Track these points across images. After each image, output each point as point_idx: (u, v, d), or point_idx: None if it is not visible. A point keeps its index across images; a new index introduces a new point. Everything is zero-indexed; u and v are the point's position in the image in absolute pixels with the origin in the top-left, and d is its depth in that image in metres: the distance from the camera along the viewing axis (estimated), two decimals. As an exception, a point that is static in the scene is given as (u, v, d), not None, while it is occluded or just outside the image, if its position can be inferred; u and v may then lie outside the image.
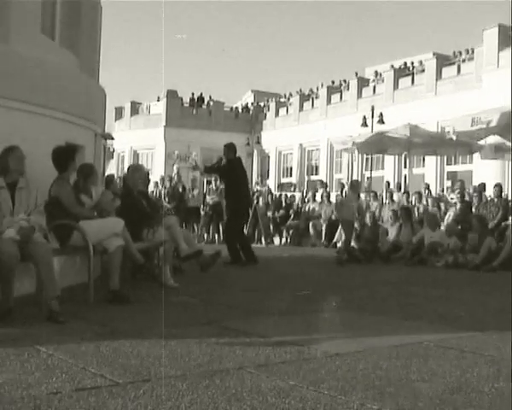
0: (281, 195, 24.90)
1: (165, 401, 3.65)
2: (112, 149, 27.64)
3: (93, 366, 4.36)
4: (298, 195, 25.24)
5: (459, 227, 14.72)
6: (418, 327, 6.30)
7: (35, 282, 6.44)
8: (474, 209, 16.05)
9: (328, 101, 42.29)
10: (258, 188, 24.64)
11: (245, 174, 13.68)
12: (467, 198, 16.98)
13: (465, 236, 13.90)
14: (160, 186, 22.69)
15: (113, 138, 14.86)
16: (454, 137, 18.37)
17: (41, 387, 3.86)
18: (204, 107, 49.94)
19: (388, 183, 25.66)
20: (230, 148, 13.03)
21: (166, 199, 21.17)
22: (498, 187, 16.33)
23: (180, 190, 21.77)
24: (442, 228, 14.77)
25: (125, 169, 10.67)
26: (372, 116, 31.65)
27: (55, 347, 4.90)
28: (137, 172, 9.84)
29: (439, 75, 34.02)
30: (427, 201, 18.73)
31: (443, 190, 24.18)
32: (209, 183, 22.02)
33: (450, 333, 5.93)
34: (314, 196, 23.04)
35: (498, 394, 3.92)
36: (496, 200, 15.86)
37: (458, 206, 16.02)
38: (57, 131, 8.52)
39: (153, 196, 17.77)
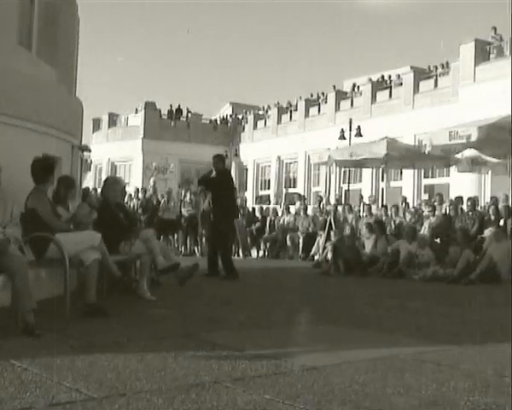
0: (260, 207, 24.90)
1: (140, 416, 3.63)
2: (89, 161, 27.46)
3: (68, 381, 4.31)
4: (275, 207, 25.25)
5: (438, 240, 14.80)
6: (395, 340, 6.31)
7: (10, 294, 6.38)
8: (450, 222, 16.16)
9: (307, 114, 42.49)
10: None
11: (232, 185, 13.66)
12: (443, 211, 17.10)
13: (445, 249, 13.97)
14: (135, 198, 22.60)
15: (90, 150, 14.78)
16: (428, 150, 18.49)
17: (14, 402, 3.81)
18: (182, 119, 49.96)
19: (362, 196, 25.80)
20: (220, 158, 13.04)
21: (139, 211, 21.08)
22: (472, 201, 16.47)
23: (154, 202, 21.68)
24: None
25: (103, 181, 10.63)
26: (350, 129, 31.81)
27: (29, 361, 4.84)
28: (115, 185, 9.79)
29: (416, 89, 34.29)
30: (404, 214, 18.82)
31: (420, 204, 24.29)
32: (184, 195, 21.96)
33: (427, 346, 5.94)
34: (288, 208, 23.08)
35: (474, 407, 3.93)
36: (470, 213, 15.99)
37: (436, 219, 16.13)
38: (34, 142, 8.48)
39: (130, 209, 17.70)
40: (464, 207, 17.05)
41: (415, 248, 14.00)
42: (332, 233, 17.36)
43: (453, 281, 12.36)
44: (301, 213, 21.58)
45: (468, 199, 16.81)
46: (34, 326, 5.89)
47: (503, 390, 4.33)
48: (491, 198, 19.07)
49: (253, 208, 24.77)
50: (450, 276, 12.66)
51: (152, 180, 25.45)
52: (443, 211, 17.35)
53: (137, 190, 24.15)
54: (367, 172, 33.73)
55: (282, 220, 21.97)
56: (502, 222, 15.43)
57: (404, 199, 22.39)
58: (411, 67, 38.20)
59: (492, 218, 15.77)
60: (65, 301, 6.97)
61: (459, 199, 18.44)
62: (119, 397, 3.97)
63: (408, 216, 18.42)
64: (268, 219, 22.40)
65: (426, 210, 18.15)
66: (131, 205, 21.68)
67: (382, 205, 21.08)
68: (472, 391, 4.29)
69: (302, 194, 31.14)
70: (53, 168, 7.63)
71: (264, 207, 25.26)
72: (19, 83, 8.35)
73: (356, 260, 14.63)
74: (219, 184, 12.83)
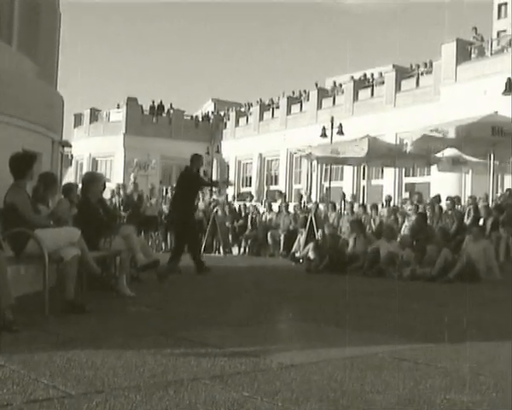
0: (240, 205, 24.90)
1: (118, 413, 3.62)
2: (70, 157, 27.35)
3: (46, 377, 4.30)
4: (256, 205, 25.26)
5: (413, 239, 14.86)
6: (373, 339, 6.33)
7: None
8: (428, 221, 16.25)
9: (288, 111, 42.53)
10: (215, 197, 24.58)
11: (182, 185, 13.25)
12: (422, 210, 17.18)
13: (422, 248, 14.03)
14: (116, 195, 22.49)
15: (70, 146, 14.74)
16: (409, 149, 18.58)
17: (-9, 398, 3.80)
18: (164, 115, 49.85)
19: (344, 194, 25.84)
20: (191, 159, 13.02)
21: (121, 207, 20.99)
22: (451, 200, 16.57)
23: (135, 198, 21.58)
24: (398, 239, 14.91)
25: (83, 177, 10.59)
26: (332, 127, 31.84)
27: (7, 357, 4.82)
28: (95, 181, 9.75)
29: (398, 87, 34.41)
30: (390, 212, 18.90)
31: (402, 203, 24.41)
32: (166, 192, 21.90)
33: (405, 345, 5.97)
34: (270, 206, 23.09)
35: (450, 405, 3.96)
36: (450, 212, 16.07)
37: (413, 217, 16.22)
38: (14, 137, 8.43)
39: (110, 205, 17.62)
40: (444, 206, 17.17)
41: (395, 248, 14.04)
42: (316, 231, 17.38)
43: (431, 280, 12.42)
44: (283, 210, 21.60)
45: (447, 198, 16.90)
46: (12, 322, 5.86)
47: (479, 389, 4.36)
48: (469, 198, 19.20)
49: (234, 206, 24.75)
50: (429, 275, 12.71)
51: (132, 176, 25.33)
52: (420, 210, 17.43)
53: (119, 186, 24.06)
54: (348, 170, 33.82)
55: (263, 218, 21.99)
56: (481, 221, 15.54)
57: (390, 198, 22.48)
58: (393, 66, 38.33)
59: (471, 216, 15.91)
60: (44, 297, 6.95)
61: (437, 198, 18.55)
62: (97, 394, 3.96)
63: (385, 213, 18.53)
64: (252, 216, 22.41)
65: (410, 208, 18.25)
66: (113, 201, 21.58)
67: (363, 204, 21.13)
68: (448, 389, 4.32)
69: (283, 191, 31.12)
70: (32, 163, 7.57)
71: (247, 204, 25.20)
72: (-1, 77, 8.30)
73: (337, 258, 14.65)
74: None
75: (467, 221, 16.09)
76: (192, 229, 13.17)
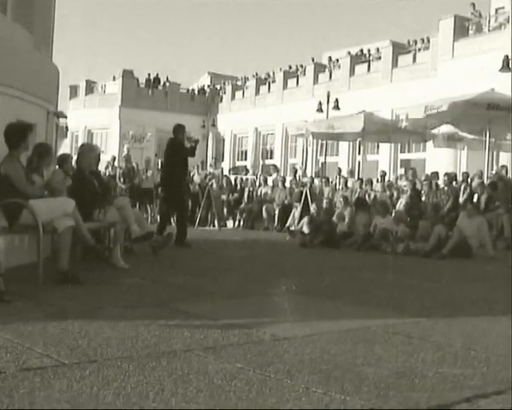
0: (236, 178, 24.89)
1: (110, 382, 3.62)
2: (65, 128, 27.22)
3: (39, 347, 4.31)
4: (251, 178, 25.26)
5: (408, 215, 14.90)
6: (366, 312, 6.35)
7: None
8: (424, 197, 16.28)
9: (285, 85, 42.32)
10: (211, 170, 24.54)
11: (166, 155, 13.42)
12: (418, 186, 17.21)
13: (415, 224, 14.07)
14: (110, 167, 22.44)
15: (65, 116, 14.65)
16: (404, 124, 18.61)
17: (-16, 366, 3.81)
18: (160, 88, 49.63)
19: (340, 169, 25.83)
20: (173, 129, 13.07)
21: (121, 179, 20.98)
22: (448, 176, 16.58)
23: (130, 170, 21.55)
24: (393, 215, 14.92)
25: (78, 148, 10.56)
26: (328, 102, 31.75)
27: (0, 326, 4.83)
28: (90, 152, 9.74)
29: (394, 63, 34.26)
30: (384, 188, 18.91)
31: (396, 178, 24.42)
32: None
33: (398, 319, 5.99)
34: (266, 180, 23.10)
35: (442, 378, 3.98)
36: (446, 188, 16.10)
37: (408, 193, 16.25)
38: (8, 107, 8.39)
39: (104, 177, 17.60)
40: (441, 182, 17.19)
41: (388, 223, 14.05)
42: (310, 206, 17.42)
43: (425, 255, 12.46)
44: (279, 184, 21.61)
45: (445, 174, 16.92)
46: (4, 292, 5.86)
47: (471, 363, 4.38)
48: (463, 173, 19.21)
49: (230, 179, 24.74)
50: (423, 250, 12.76)
51: (125, 148, 25.24)
52: (417, 186, 17.45)
53: (114, 158, 24.02)
54: (344, 145, 33.76)
55: (258, 192, 22.02)
56: (475, 198, 15.58)
57: (384, 174, 22.50)
58: (390, 41, 38.17)
59: (466, 193, 15.97)
60: (38, 267, 6.96)
61: (434, 174, 18.56)
62: (90, 363, 3.97)
63: (379, 188, 18.56)
64: (247, 189, 22.41)
65: (405, 184, 18.28)
66: (107, 173, 21.54)
67: (360, 178, 21.12)
68: (440, 363, 4.34)
69: (278, 166, 31.10)
70: (27, 134, 7.55)
71: (243, 178, 25.22)
72: (-7, 46, 8.24)
73: (331, 232, 14.67)
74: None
75: (462, 198, 16.14)
76: (179, 198, 13.05)
